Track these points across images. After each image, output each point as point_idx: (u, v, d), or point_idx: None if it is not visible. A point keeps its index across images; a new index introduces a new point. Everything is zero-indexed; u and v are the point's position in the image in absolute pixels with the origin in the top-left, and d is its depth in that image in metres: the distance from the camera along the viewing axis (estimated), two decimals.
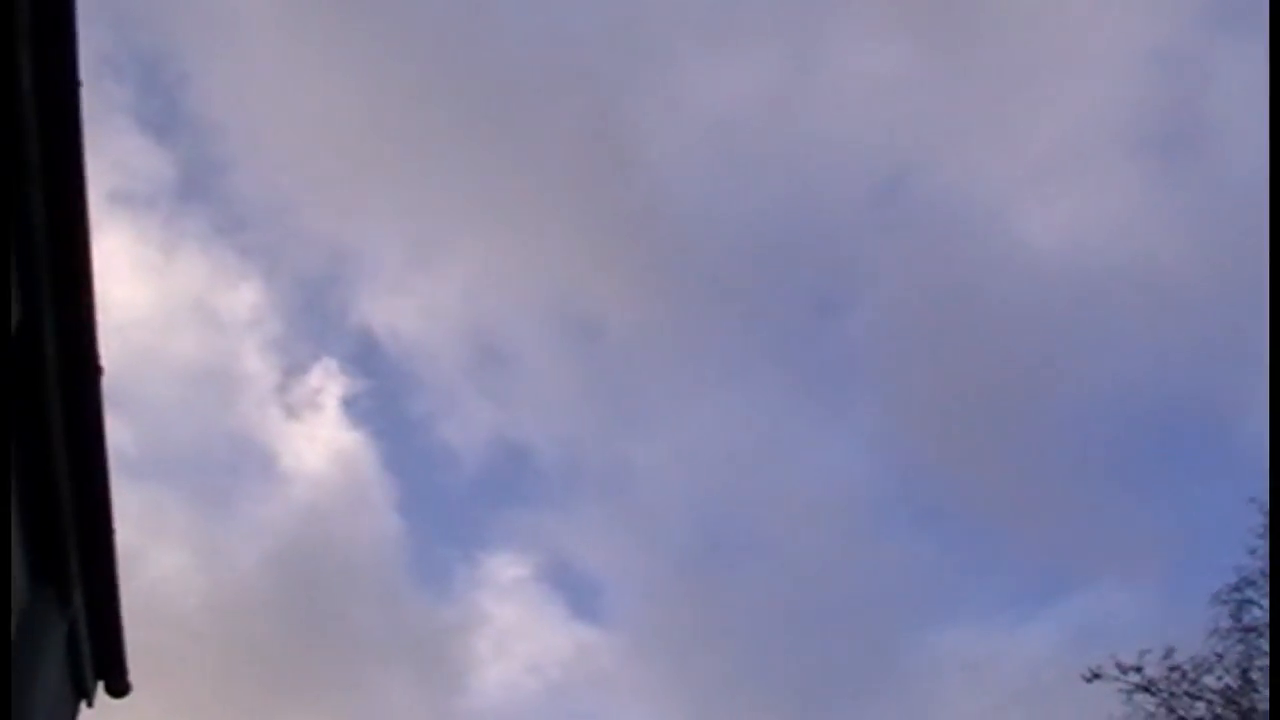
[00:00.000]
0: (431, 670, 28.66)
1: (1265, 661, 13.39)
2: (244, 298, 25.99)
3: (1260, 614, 13.54)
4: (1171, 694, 14.07)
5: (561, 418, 28.17)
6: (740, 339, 27.29)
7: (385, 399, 28.83)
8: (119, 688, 8.66)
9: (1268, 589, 13.27)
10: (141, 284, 23.78)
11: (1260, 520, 13.75)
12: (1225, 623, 13.77)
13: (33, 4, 5.06)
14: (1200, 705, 13.96)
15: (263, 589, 26.91)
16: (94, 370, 6.64)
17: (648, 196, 24.80)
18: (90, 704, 8.51)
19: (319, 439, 28.09)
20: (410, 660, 28.34)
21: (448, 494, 29.33)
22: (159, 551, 23.41)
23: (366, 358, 28.16)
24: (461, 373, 28.21)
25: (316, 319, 27.51)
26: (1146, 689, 14.11)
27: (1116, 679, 14.17)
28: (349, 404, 27.75)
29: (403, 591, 28.56)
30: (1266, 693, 13.26)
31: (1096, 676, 14.19)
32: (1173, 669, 14.06)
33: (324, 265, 26.47)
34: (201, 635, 24.03)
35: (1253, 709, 13.52)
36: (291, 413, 27.62)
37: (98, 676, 8.50)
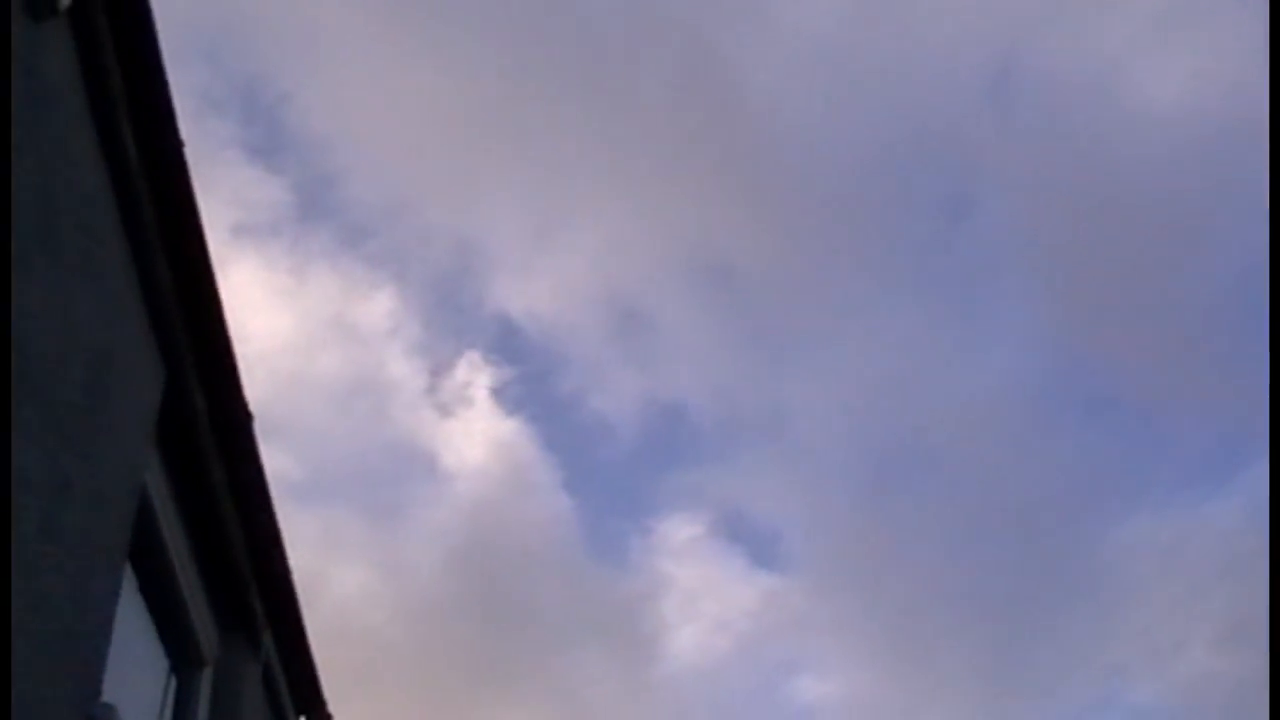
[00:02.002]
0: (623, 642, 28.85)
1: None
2: (380, 306, 26.34)
3: None
4: None
5: (709, 370, 27.94)
6: (874, 259, 26.68)
7: (533, 382, 28.93)
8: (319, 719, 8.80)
9: None
10: (278, 310, 24.26)
11: None
12: None
13: (125, 74, 5.06)
14: None
15: (446, 590, 27.36)
16: (245, 418, 6.69)
17: (757, 130, 24.32)
18: None
19: (476, 432, 28.39)
20: (600, 635, 28.57)
21: (610, 465, 29.36)
22: (340, 571, 23.94)
23: (508, 344, 28.26)
24: (603, 342, 28.18)
25: (453, 314, 27.75)
26: None
27: None
28: (499, 393, 27.92)
29: (582, 568, 28.76)
30: None
31: None
32: None
33: (452, 260, 26.63)
34: (393, 646, 24.53)
35: None
36: (445, 411, 27.96)
37: (299, 712, 8.63)
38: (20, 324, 4.35)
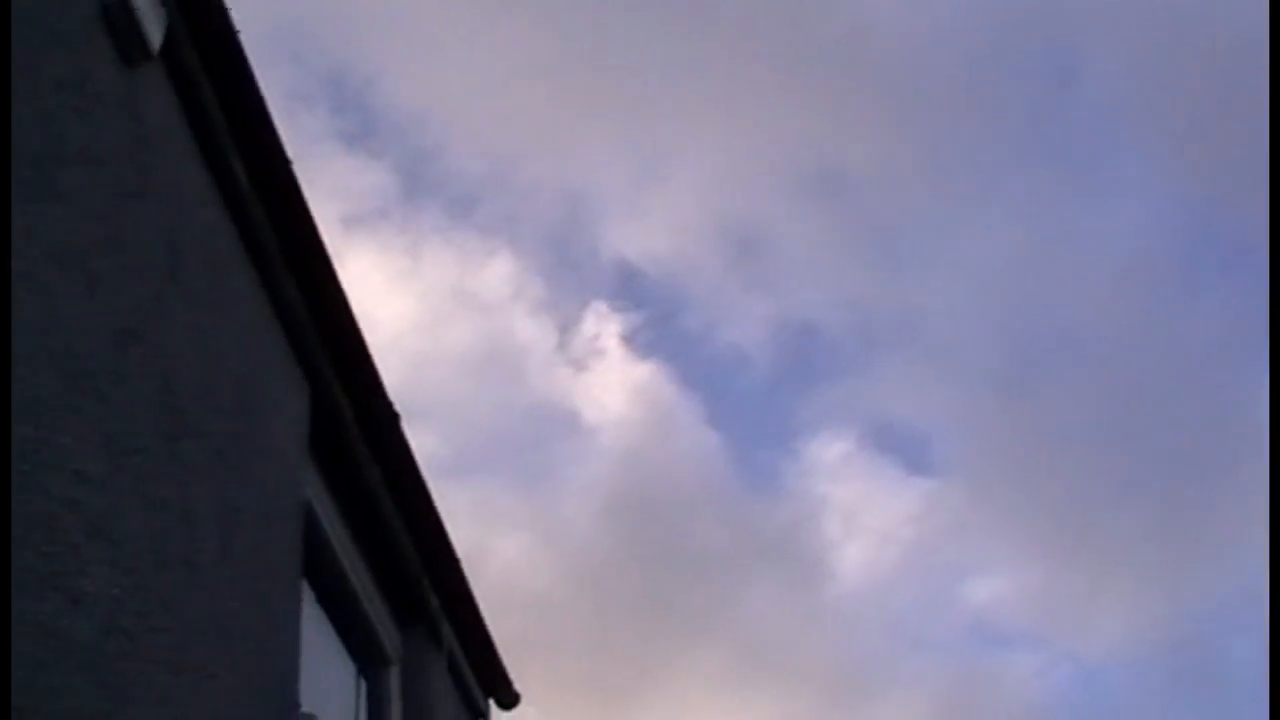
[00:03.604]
0: (789, 568, 28.79)
1: None
2: (498, 272, 26.43)
3: None
4: None
5: (834, 283, 27.51)
6: (985, 141, 25.99)
7: (662, 323, 28.82)
8: (509, 699, 8.95)
9: None
10: (399, 293, 24.47)
11: None
12: None
13: (223, 104, 5.15)
14: None
15: (607, 543, 27.54)
16: (392, 417, 6.80)
17: (848, 27, 23.78)
18: None
19: (612, 382, 28.44)
20: (766, 564, 28.54)
21: (750, 394, 29.12)
22: (499, 541, 24.21)
23: (631, 289, 28.16)
24: (724, 272, 27.91)
25: (572, 268, 27.73)
26: None
27: None
28: (629, 339, 27.92)
29: (738, 501, 28.71)
30: None
31: None
32: None
33: (562, 214, 26.58)
34: (562, 607, 24.79)
35: None
36: (579, 366, 28.04)
37: (487, 695, 8.81)
38: (165, 363, 4.47)
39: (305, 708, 5.27)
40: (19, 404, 3.40)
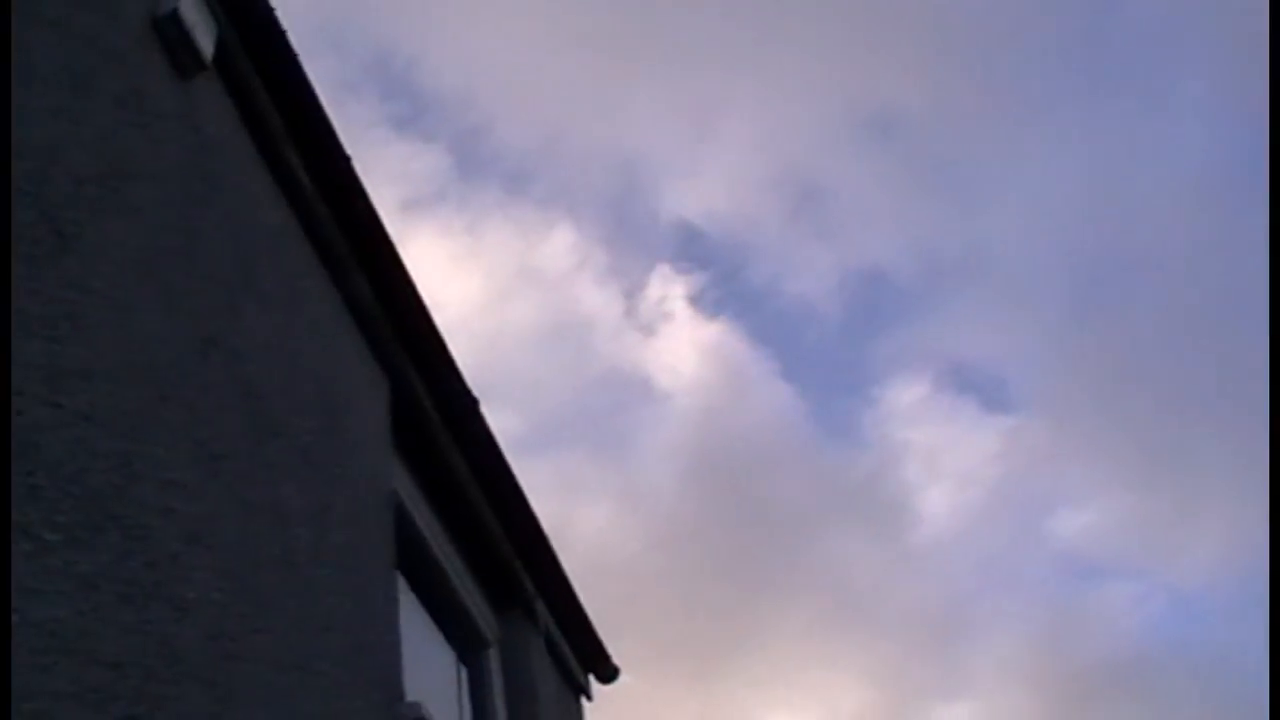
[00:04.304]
0: (874, 516, 28.66)
1: None
2: (559, 244, 26.40)
3: None
4: None
5: (897, 227, 27.18)
6: (1039, 70, 25.53)
7: (727, 281, 28.61)
8: (608, 673, 8.99)
9: None
10: (462, 274, 24.53)
11: None
12: None
13: (278, 107, 5.18)
14: None
15: (689, 506, 27.56)
16: (471, 403, 6.84)
17: None
18: (590, 698, 8.89)
19: (683, 344, 28.38)
20: (851, 515, 28.46)
21: (822, 345, 28.88)
22: (582, 513, 24.29)
23: (694, 249, 27.95)
24: (786, 224, 27.67)
25: (633, 233, 27.62)
26: None
27: None
28: (696, 300, 27.79)
29: (818, 453, 28.60)
30: None
31: None
32: None
33: (618, 180, 26.49)
34: (650, 574, 24.86)
35: None
36: (648, 331, 28.01)
37: (586, 670, 8.86)
38: (245, 368, 4.52)
39: (409, 698, 5.33)
40: (109, 419, 3.45)
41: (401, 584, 6.06)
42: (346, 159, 5.54)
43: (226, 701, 3.71)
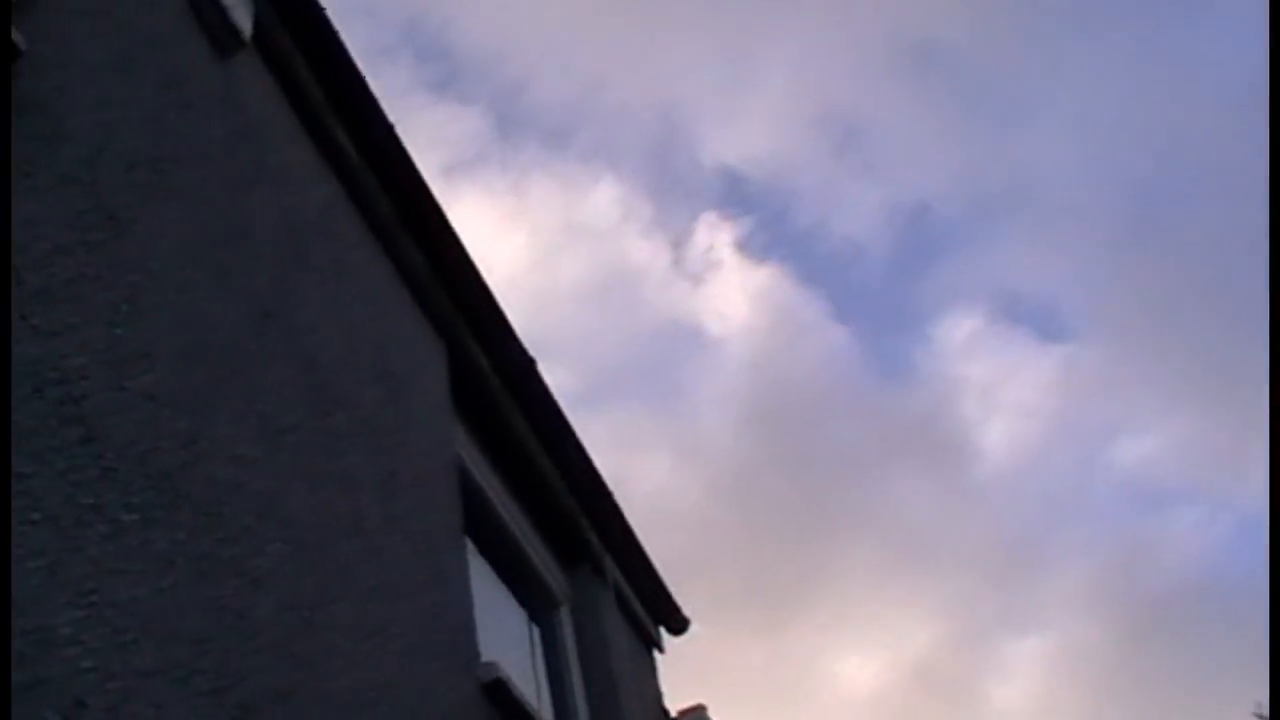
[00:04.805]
0: (934, 454, 28.50)
1: None
2: (603, 197, 26.29)
3: None
4: None
5: (940, 160, 26.81)
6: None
7: (773, 224, 28.39)
8: (678, 625, 9.03)
9: None
10: (511, 233, 24.53)
11: None
12: None
13: (319, 80, 5.20)
14: None
15: (747, 453, 27.53)
16: (528, 364, 6.87)
17: None
18: (662, 650, 8.94)
19: (732, 290, 28.24)
20: (910, 453, 28.28)
21: (871, 284, 28.59)
22: (641, 466, 24.28)
23: (738, 195, 27.73)
24: (828, 164, 27.38)
25: (676, 182, 27.46)
26: None
27: None
28: (743, 245, 27.63)
29: (874, 393, 28.42)
30: None
31: None
32: None
33: (658, 129, 26.30)
34: (712, 523, 24.89)
35: None
36: (697, 280, 27.90)
37: (657, 623, 8.90)
38: (303, 341, 4.56)
39: (484, 659, 5.38)
40: (174, 399, 3.50)
41: (469, 547, 6.12)
42: (390, 127, 5.55)
43: (307, 671, 3.77)
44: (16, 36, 3.22)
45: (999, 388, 29.66)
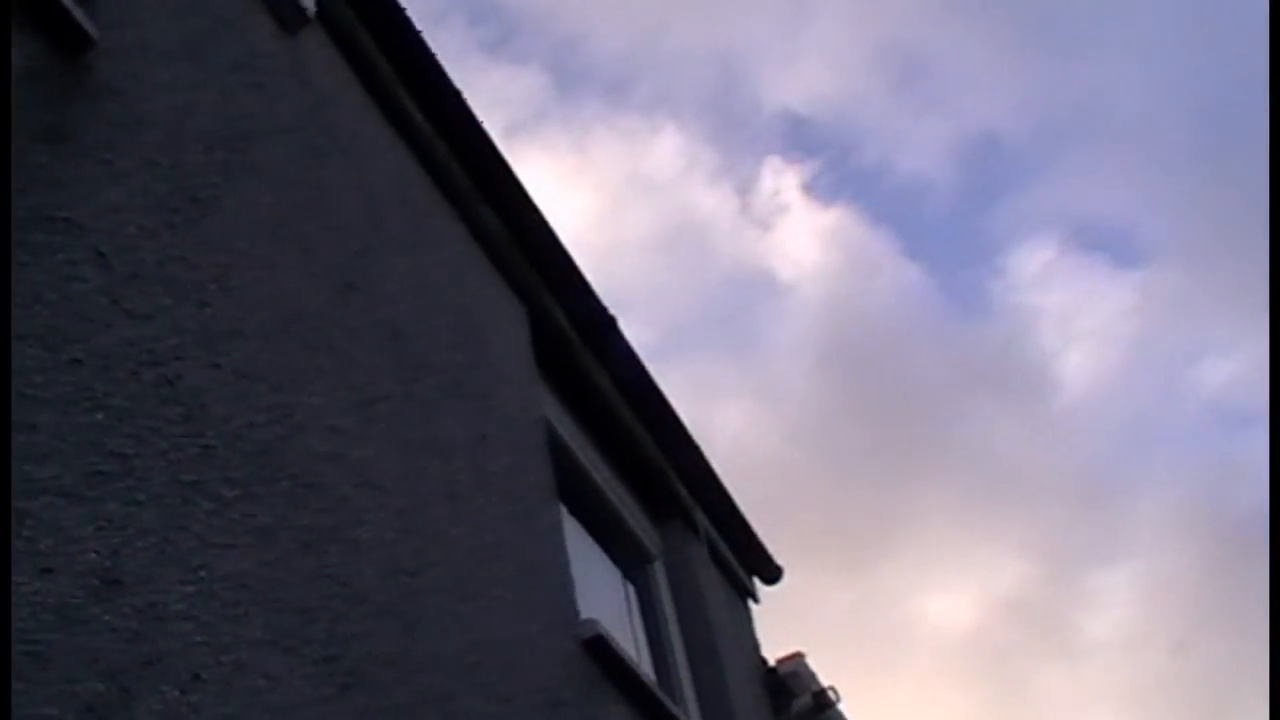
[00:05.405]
0: (1013, 386, 28.12)
1: None
2: (666, 148, 26.11)
3: None
4: None
5: (1005, 87, 26.27)
6: None
7: (839, 165, 28.03)
8: (772, 574, 9.01)
9: None
10: (575, 191, 24.49)
11: None
12: None
13: (384, 50, 5.21)
14: None
15: (825, 396, 27.35)
16: (608, 320, 6.87)
17: None
18: (757, 600, 8.94)
19: (801, 234, 27.99)
20: (989, 387, 27.93)
21: (942, 219, 28.17)
22: (720, 415, 24.20)
23: (801, 137, 27.37)
24: (890, 99, 26.96)
25: (738, 129, 27.21)
26: None
27: None
28: (810, 188, 27.32)
29: (950, 329, 28.10)
30: None
31: None
32: None
33: (717, 76, 26.04)
34: (794, 467, 24.77)
35: None
36: (765, 225, 27.66)
37: (750, 574, 8.90)
38: (387, 310, 4.59)
39: (583, 617, 5.42)
40: (266, 374, 3.54)
41: (561, 506, 6.15)
42: (457, 93, 5.56)
43: (412, 635, 3.81)
44: (89, 26, 3.25)
45: (1076, 316, 29.19)
